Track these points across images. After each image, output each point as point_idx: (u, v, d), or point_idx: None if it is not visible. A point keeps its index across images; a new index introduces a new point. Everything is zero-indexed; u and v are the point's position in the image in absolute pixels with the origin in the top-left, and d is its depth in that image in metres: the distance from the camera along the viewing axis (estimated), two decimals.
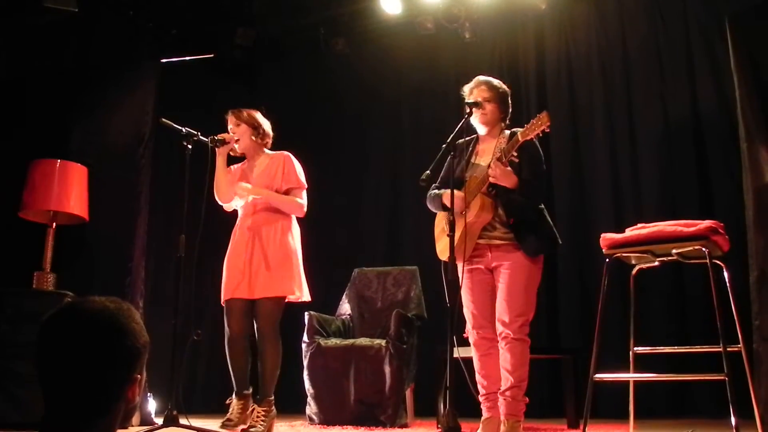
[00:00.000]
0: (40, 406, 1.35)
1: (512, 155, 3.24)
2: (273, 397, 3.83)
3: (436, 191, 3.50)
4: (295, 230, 3.94)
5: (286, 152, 4.01)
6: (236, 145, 3.93)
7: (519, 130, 3.40)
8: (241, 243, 3.84)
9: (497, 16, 6.18)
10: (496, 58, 6.31)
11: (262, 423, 3.75)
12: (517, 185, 3.25)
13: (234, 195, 3.90)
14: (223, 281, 3.86)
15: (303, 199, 3.90)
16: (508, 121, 3.53)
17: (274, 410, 3.84)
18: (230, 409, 3.72)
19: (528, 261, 3.30)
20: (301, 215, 3.92)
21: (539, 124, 3.18)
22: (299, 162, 3.98)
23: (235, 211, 4.01)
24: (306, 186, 3.95)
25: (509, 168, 3.26)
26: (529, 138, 3.22)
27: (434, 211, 3.57)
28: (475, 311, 3.37)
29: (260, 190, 3.85)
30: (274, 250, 3.79)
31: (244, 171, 4.00)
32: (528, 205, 3.35)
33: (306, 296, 3.90)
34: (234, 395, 3.76)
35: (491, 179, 3.25)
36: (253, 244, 3.80)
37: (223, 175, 3.86)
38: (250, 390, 3.80)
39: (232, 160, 4.06)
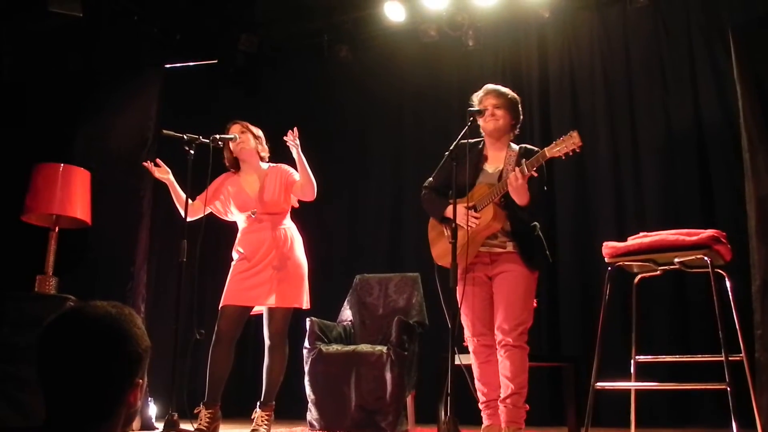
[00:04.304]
0: (42, 411, 1.35)
1: (533, 172, 3.17)
2: (274, 403, 3.87)
3: (439, 198, 3.49)
4: (300, 239, 4.03)
5: (282, 165, 4.08)
6: (231, 147, 3.99)
7: (528, 146, 3.41)
8: (251, 251, 3.88)
9: (500, 24, 6.20)
10: (499, 66, 6.32)
11: (265, 427, 3.79)
12: (527, 204, 3.22)
13: (198, 214, 3.94)
14: (228, 286, 3.88)
15: (315, 183, 3.91)
16: (517, 131, 3.52)
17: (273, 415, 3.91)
18: (199, 419, 3.72)
19: (527, 270, 3.30)
20: (313, 197, 3.93)
21: (570, 144, 3.11)
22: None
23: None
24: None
25: (526, 184, 3.18)
26: (556, 156, 3.15)
27: (430, 215, 3.56)
28: (475, 319, 3.37)
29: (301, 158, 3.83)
30: (288, 260, 3.87)
31: (239, 184, 4.02)
32: (529, 223, 3.36)
33: (307, 305, 3.99)
34: (203, 404, 3.76)
35: (510, 189, 3.18)
36: (266, 253, 3.86)
37: (178, 197, 3.91)
38: (219, 403, 3.80)
39: (222, 168, 4.10)
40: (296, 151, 3.77)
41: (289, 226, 3.99)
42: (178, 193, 3.93)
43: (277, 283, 3.82)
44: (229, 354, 3.82)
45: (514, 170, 3.18)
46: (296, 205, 4.07)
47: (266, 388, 3.87)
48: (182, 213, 3.83)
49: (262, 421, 3.82)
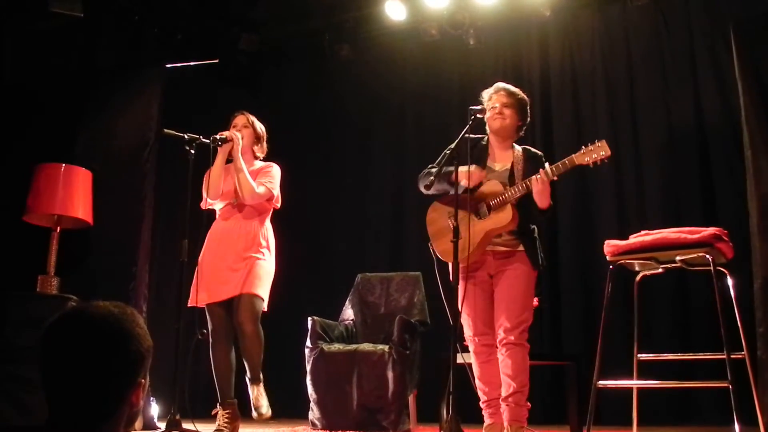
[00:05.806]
0: (45, 411, 1.36)
1: (555, 176, 3.20)
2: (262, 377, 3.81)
3: (446, 168, 3.36)
4: (273, 241, 3.97)
5: (274, 163, 4.06)
6: (241, 141, 3.95)
7: (530, 149, 3.41)
8: (216, 246, 3.85)
9: (501, 23, 6.19)
10: (500, 65, 6.32)
11: (264, 398, 3.76)
12: (547, 208, 3.26)
13: (220, 192, 3.90)
14: (203, 284, 3.79)
15: (261, 192, 3.86)
16: (522, 133, 3.51)
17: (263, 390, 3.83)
18: (218, 420, 3.71)
19: (528, 268, 3.30)
20: (251, 202, 3.86)
21: (599, 152, 3.13)
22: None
23: (213, 211, 4.01)
24: (275, 194, 3.95)
25: (549, 188, 3.23)
26: (584, 164, 3.18)
27: (432, 192, 3.44)
28: (476, 318, 3.36)
29: (241, 162, 3.85)
30: (252, 258, 3.80)
31: (231, 174, 3.98)
32: (539, 225, 3.40)
33: (265, 307, 3.87)
34: (219, 405, 3.76)
35: (534, 191, 3.20)
36: (233, 248, 3.81)
37: (219, 170, 3.87)
38: (236, 400, 3.79)
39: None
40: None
41: (265, 227, 3.94)
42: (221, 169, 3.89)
43: (244, 274, 3.76)
44: (228, 350, 3.80)
45: (539, 173, 3.20)
46: (277, 206, 4.02)
47: (250, 369, 3.76)
48: (208, 190, 3.84)
49: (259, 393, 3.75)
